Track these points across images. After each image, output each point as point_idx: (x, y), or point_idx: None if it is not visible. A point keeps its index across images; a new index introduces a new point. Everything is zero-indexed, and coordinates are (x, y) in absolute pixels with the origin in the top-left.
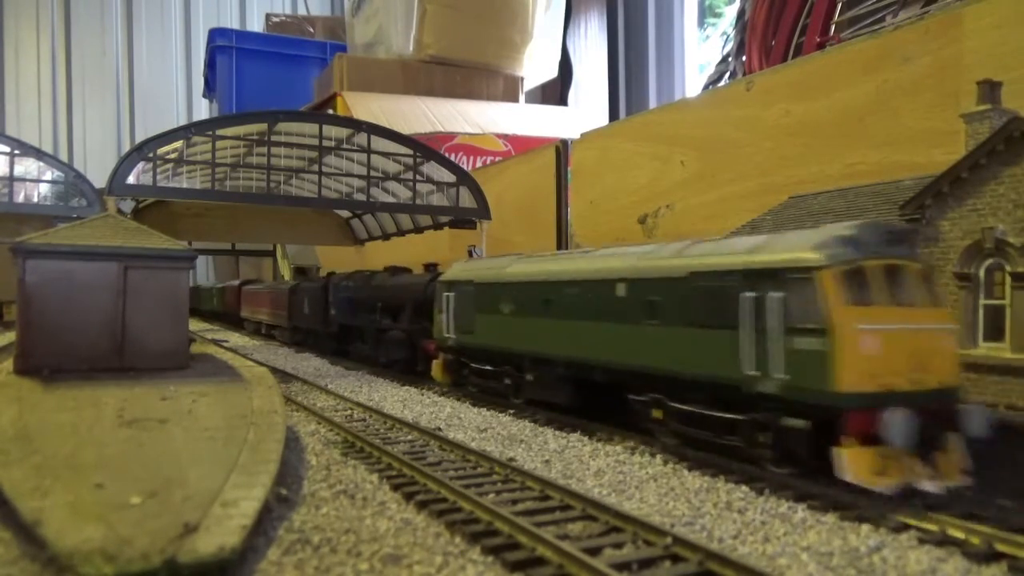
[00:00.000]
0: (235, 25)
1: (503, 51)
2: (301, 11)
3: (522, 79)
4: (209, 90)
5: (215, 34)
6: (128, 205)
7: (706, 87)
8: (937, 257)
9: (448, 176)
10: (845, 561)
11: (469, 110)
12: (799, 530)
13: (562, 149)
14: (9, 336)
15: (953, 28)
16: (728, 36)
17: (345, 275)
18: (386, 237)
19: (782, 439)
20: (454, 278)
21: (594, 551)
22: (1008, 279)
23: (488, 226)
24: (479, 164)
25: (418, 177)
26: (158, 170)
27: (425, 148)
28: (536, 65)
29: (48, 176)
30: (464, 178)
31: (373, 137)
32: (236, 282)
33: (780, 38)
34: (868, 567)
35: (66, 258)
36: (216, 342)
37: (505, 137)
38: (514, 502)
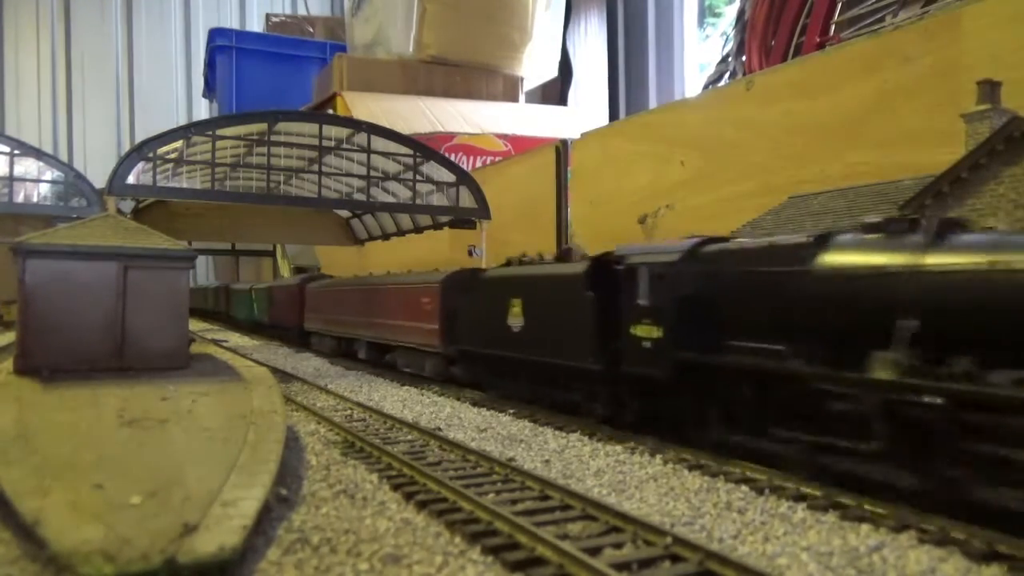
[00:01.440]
0: (235, 25)
1: (503, 51)
2: (301, 11)
3: (522, 79)
4: (209, 90)
5: (215, 34)
6: (128, 205)
7: (706, 87)
8: None
9: (448, 176)
10: (845, 561)
11: (469, 110)
12: (799, 530)
13: (562, 149)
14: (9, 336)
15: (953, 28)
16: (728, 36)
17: (682, 249)
18: (386, 237)
19: None
20: None
21: (594, 551)
22: None
23: (488, 226)
24: (479, 164)
25: (418, 177)
26: (158, 170)
27: (425, 148)
28: (536, 65)
29: (48, 176)
30: (464, 178)
31: (373, 137)
32: (295, 279)
33: (780, 38)
34: (868, 567)
35: (66, 258)
36: (216, 342)
37: (505, 137)
38: (514, 502)
